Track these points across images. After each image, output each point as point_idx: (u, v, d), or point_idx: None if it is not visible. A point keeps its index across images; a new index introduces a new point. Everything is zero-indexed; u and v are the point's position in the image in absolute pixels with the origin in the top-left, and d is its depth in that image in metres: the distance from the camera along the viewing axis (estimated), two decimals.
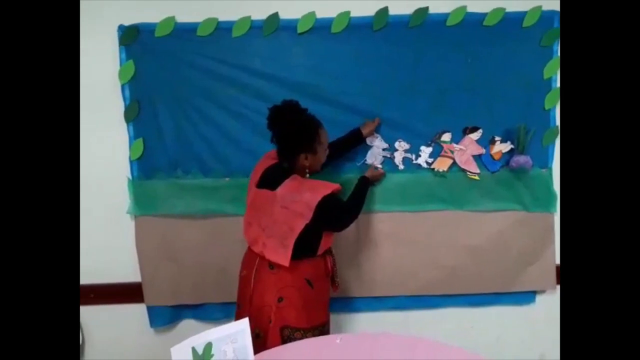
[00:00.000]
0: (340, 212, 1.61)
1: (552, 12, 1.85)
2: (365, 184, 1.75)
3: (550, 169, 1.96)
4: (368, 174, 1.80)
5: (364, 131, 1.85)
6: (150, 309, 2.00)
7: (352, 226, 1.70)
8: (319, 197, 1.49)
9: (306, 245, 1.55)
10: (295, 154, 1.55)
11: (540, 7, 1.84)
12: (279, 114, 1.54)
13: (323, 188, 1.52)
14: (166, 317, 2.02)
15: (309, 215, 1.49)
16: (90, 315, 1.94)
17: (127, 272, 1.99)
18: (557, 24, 1.86)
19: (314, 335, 1.55)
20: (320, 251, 1.60)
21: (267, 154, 1.69)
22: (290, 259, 1.51)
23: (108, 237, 1.96)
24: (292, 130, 1.52)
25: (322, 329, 1.63)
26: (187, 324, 2.07)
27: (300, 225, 1.50)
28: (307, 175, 1.58)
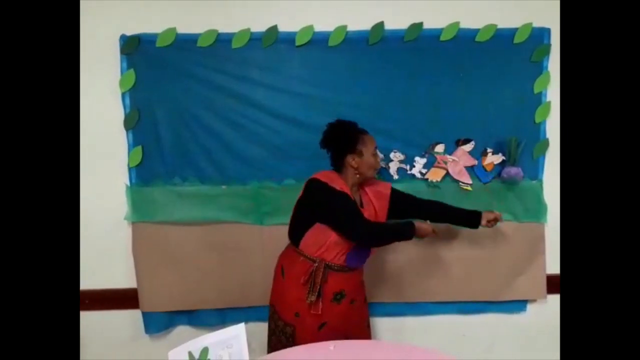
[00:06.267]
0: (338, 205, 1.52)
1: (542, 29, 1.91)
2: (407, 227, 1.54)
3: (541, 181, 2.01)
4: (419, 224, 1.55)
5: (486, 223, 1.72)
6: (145, 315, 2.01)
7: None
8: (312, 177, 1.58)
9: (295, 227, 1.63)
10: (342, 155, 1.60)
11: (530, 24, 1.90)
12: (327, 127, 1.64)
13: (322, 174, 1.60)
14: (161, 323, 2.03)
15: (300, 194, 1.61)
16: (85, 321, 1.94)
17: (123, 278, 2.00)
18: (547, 40, 1.92)
19: (279, 325, 1.62)
20: (303, 246, 1.58)
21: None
22: (290, 237, 1.64)
23: (104, 242, 1.98)
24: (333, 132, 1.62)
25: (284, 328, 1.60)
26: (182, 330, 2.08)
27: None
28: (357, 176, 1.61)
